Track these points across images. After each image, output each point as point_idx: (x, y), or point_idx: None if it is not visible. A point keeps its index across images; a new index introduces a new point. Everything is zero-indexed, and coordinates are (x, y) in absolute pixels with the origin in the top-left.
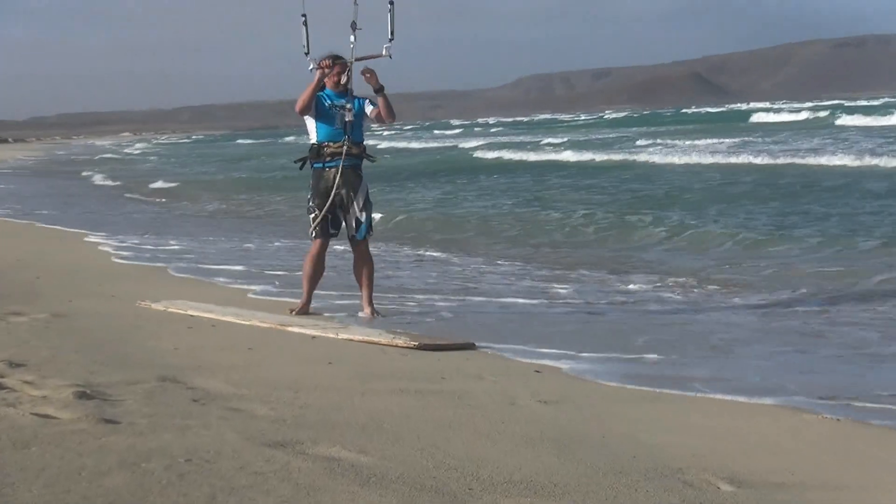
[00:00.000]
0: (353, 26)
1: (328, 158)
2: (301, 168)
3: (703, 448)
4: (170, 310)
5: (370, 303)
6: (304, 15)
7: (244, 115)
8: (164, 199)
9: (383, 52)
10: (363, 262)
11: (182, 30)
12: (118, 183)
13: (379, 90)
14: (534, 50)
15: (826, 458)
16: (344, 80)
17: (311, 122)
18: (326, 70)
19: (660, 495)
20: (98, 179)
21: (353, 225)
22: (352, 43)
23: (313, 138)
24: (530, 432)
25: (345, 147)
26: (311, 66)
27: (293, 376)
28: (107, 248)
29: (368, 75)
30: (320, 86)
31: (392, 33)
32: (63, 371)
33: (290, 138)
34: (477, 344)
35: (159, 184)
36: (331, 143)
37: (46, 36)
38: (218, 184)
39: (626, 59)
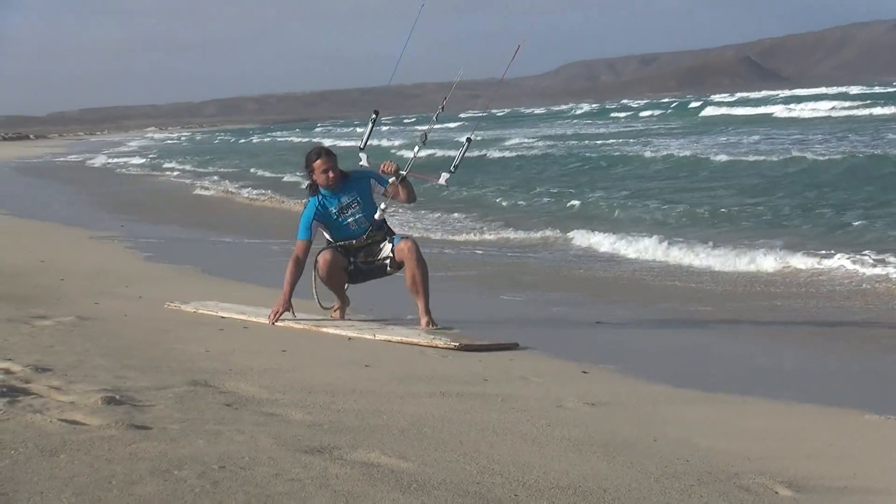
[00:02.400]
0: (423, 138)
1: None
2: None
3: (761, 451)
4: (200, 311)
5: (427, 312)
6: (376, 112)
7: (273, 107)
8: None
9: (440, 180)
10: (413, 267)
11: (208, 21)
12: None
13: (399, 178)
14: (577, 36)
15: (890, 462)
16: (332, 176)
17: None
18: (318, 172)
19: (715, 500)
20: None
21: (388, 248)
22: (414, 154)
23: (328, 237)
24: (578, 436)
25: (369, 242)
26: (362, 161)
27: (329, 379)
28: (134, 249)
29: (389, 167)
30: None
31: (456, 167)
32: (90, 376)
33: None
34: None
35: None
36: (353, 241)
37: (66, 29)
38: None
39: (673, 43)
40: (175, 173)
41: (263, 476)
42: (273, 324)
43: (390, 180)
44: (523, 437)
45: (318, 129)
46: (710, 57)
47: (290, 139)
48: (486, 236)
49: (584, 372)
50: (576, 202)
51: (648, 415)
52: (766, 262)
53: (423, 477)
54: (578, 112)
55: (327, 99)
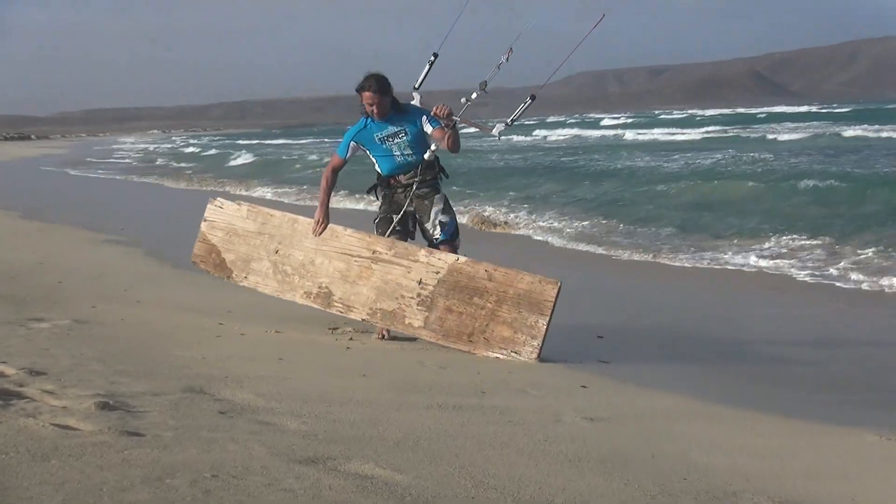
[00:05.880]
0: (483, 86)
1: (399, 190)
2: (369, 193)
3: (759, 470)
4: (244, 205)
5: None
6: (435, 55)
7: (280, 111)
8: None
9: (493, 131)
10: None
11: (212, 17)
12: None
13: (451, 122)
14: (586, 45)
15: (891, 484)
16: (375, 111)
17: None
18: (366, 106)
19: None
20: None
21: (437, 225)
22: (470, 100)
23: (377, 169)
24: (576, 451)
25: (417, 178)
26: (414, 101)
27: (325, 389)
28: (135, 251)
29: (442, 111)
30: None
31: (514, 121)
32: (85, 380)
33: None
34: None
35: None
36: (400, 177)
37: (70, 24)
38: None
39: (682, 55)
40: None
41: (256, 486)
42: (316, 235)
43: (443, 123)
44: (520, 451)
45: (305, 140)
46: (720, 70)
47: (264, 153)
48: None
49: (584, 386)
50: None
51: (647, 430)
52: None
53: (417, 490)
54: (620, 121)
55: (335, 103)
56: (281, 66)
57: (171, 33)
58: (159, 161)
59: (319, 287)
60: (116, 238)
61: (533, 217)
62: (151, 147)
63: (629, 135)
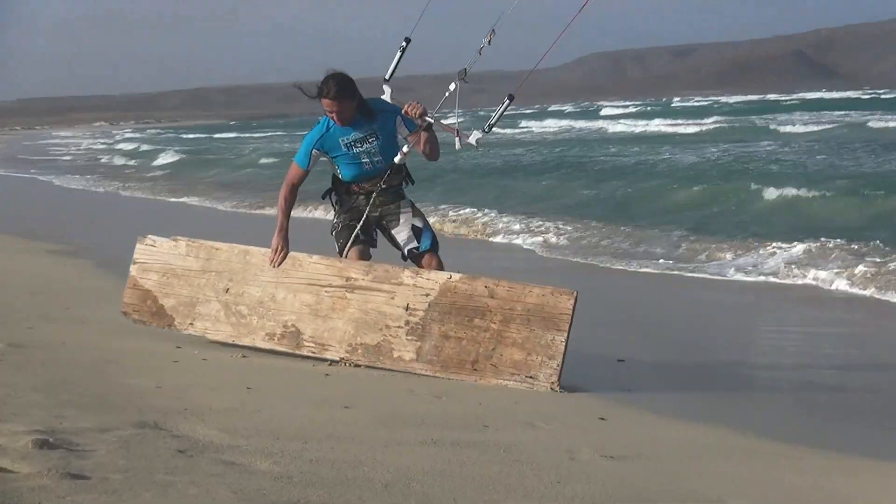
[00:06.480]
0: (462, 74)
1: (362, 197)
2: (324, 198)
3: None
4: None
5: None
6: (407, 40)
7: (245, 100)
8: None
9: (470, 139)
10: None
11: None
12: None
13: (425, 126)
14: (599, 22)
15: None
16: (338, 120)
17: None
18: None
19: None
20: None
21: (409, 236)
22: (449, 91)
23: (338, 175)
24: (593, 494)
25: (380, 185)
26: (385, 95)
27: (301, 423)
28: (84, 262)
29: (414, 109)
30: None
31: (491, 127)
32: (20, 414)
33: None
34: None
35: None
36: (364, 183)
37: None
38: None
39: (713, 33)
40: None
41: None
42: (275, 266)
43: (422, 136)
44: (528, 495)
45: (261, 134)
46: (757, 49)
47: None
48: None
49: (602, 418)
50: None
51: (676, 469)
52: None
53: None
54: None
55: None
56: (249, 48)
57: (123, 15)
58: (104, 159)
59: (285, 326)
60: (61, 248)
61: (506, 221)
62: (89, 143)
63: (619, 127)
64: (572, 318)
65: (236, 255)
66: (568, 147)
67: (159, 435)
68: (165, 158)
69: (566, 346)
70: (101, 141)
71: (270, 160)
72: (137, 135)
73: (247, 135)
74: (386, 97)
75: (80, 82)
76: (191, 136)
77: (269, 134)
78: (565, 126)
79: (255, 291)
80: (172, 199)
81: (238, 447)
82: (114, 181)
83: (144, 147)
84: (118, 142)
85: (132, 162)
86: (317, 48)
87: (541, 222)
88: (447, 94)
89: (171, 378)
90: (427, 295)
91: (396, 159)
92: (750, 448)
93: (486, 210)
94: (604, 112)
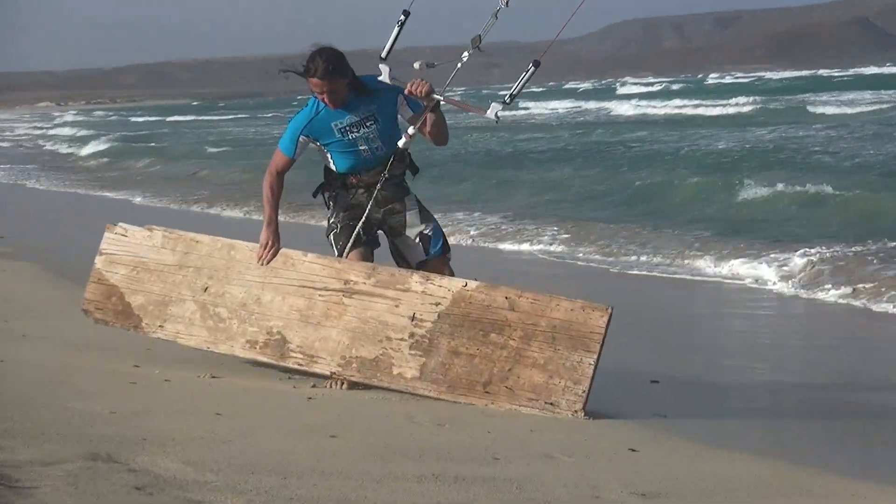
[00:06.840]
0: (476, 42)
1: (361, 191)
2: (317, 196)
3: None
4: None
5: None
6: (406, 12)
7: (214, 77)
8: None
9: (489, 113)
10: None
11: None
12: None
13: (432, 105)
14: None
15: None
16: (329, 102)
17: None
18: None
19: None
20: None
21: (418, 242)
22: (461, 64)
23: (331, 166)
24: None
25: (384, 176)
26: (382, 75)
27: (280, 454)
28: (28, 267)
29: (419, 88)
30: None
31: (513, 97)
32: None
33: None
34: None
35: None
36: (363, 175)
37: None
38: None
39: None
40: None
41: None
42: (264, 264)
43: (428, 118)
44: None
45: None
46: (812, 16)
47: None
48: None
49: (632, 449)
50: None
51: None
52: None
53: None
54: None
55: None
56: (221, 17)
57: None
58: (29, 146)
59: (269, 333)
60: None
61: (491, 219)
62: (27, 129)
63: (627, 108)
64: (605, 337)
65: (219, 250)
66: (558, 132)
67: (113, 469)
68: (96, 147)
69: (595, 370)
70: (39, 125)
71: (220, 149)
72: (81, 118)
73: (207, 117)
74: (384, 77)
75: (21, 55)
76: (140, 119)
77: (233, 116)
78: (570, 108)
79: (237, 292)
80: (82, 192)
81: (206, 483)
82: (29, 170)
83: (82, 132)
84: (56, 126)
85: (65, 149)
86: (305, 14)
87: (541, 222)
88: (458, 65)
89: (128, 402)
90: (437, 304)
91: (401, 143)
92: (806, 486)
93: (478, 213)
94: (621, 91)
